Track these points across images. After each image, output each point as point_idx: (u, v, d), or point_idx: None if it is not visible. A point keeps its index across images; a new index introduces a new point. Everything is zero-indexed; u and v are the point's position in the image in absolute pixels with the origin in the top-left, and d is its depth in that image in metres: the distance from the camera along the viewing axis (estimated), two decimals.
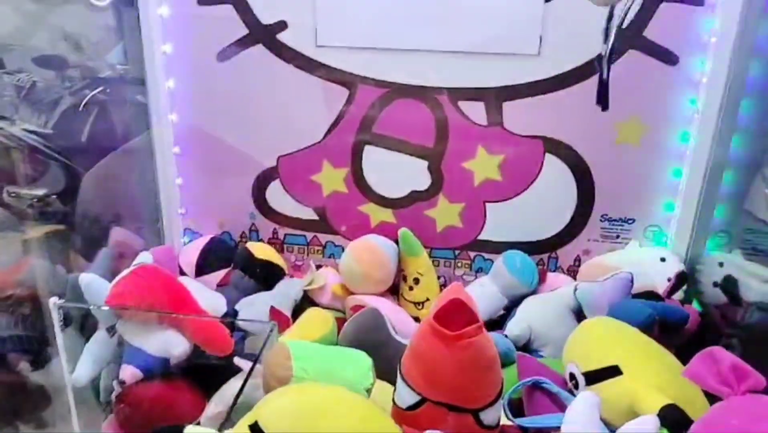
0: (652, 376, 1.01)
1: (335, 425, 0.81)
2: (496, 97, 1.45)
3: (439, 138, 1.51)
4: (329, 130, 1.54)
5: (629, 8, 0.97)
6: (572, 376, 1.11)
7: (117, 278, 1.27)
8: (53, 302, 1.23)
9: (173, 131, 1.60)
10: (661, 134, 1.44)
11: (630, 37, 1.36)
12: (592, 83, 1.40)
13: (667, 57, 1.37)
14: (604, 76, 1.12)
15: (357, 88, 1.49)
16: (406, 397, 1.06)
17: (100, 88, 1.61)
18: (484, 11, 1.38)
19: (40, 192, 1.58)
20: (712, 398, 0.93)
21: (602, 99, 1.10)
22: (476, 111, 1.48)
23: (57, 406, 1.38)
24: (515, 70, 1.43)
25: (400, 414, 1.05)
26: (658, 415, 0.94)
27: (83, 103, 1.58)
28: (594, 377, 1.05)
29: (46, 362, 1.45)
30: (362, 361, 1.15)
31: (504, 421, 1.13)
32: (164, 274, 1.33)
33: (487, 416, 1.04)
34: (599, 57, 1.05)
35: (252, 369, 1.09)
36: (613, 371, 1.03)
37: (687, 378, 0.88)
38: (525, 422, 1.12)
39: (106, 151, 1.64)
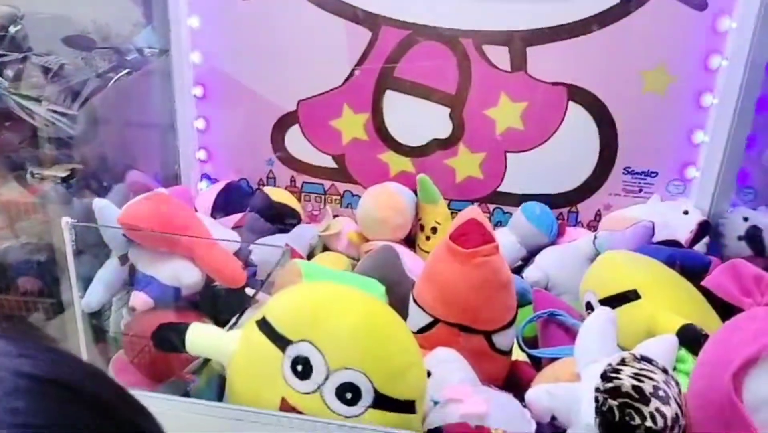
0: (670, 300, 0.99)
1: (340, 318, 0.79)
2: (521, 41, 1.43)
3: (462, 84, 1.49)
4: (351, 74, 1.53)
5: None
6: (589, 305, 1.08)
7: (130, 202, 1.26)
8: (65, 221, 1.22)
9: (194, 72, 1.59)
10: (687, 85, 1.41)
11: None
12: (618, 28, 1.38)
13: (695, 2, 1.34)
14: None
15: (380, 30, 1.48)
16: (419, 319, 1.05)
17: (126, 71, 1.61)
18: None
19: (64, 173, 1.59)
20: None
21: None
22: (500, 56, 1.46)
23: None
24: (541, 13, 1.41)
25: None
26: (677, 334, 0.91)
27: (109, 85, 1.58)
28: (612, 302, 1.02)
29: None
30: (375, 287, 1.14)
31: (517, 355, 1.12)
32: (178, 202, 1.33)
33: (500, 340, 1.02)
34: None
35: (263, 284, 1.07)
36: (632, 296, 1.01)
37: (709, 288, 0.85)
38: (538, 352, 1.10)
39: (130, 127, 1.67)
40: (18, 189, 1.55)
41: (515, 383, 1.04)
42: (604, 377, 0.82)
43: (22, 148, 1.59)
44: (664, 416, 0.77)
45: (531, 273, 1.37)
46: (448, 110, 1.52)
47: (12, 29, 1.54)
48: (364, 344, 0.78)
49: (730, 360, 0.74)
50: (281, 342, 0.80)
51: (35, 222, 1.54)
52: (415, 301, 1.06)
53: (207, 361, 0.99)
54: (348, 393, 0.78)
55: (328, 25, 1.49)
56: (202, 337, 0.87)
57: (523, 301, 1.25)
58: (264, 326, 0.82)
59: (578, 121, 1.47)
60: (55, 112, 1.53)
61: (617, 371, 0.82)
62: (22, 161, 1.58)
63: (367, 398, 0.78)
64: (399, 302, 1.15)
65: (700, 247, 1.39)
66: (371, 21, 1.48)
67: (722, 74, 1.38)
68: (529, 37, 1.42)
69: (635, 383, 0.79)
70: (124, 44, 1.62)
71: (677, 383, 0.83)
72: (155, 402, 0.80)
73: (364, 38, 1.49)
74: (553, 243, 1.47)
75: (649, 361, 0.84)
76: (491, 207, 1.59)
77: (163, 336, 0.89)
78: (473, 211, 1.04)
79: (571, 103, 1.46)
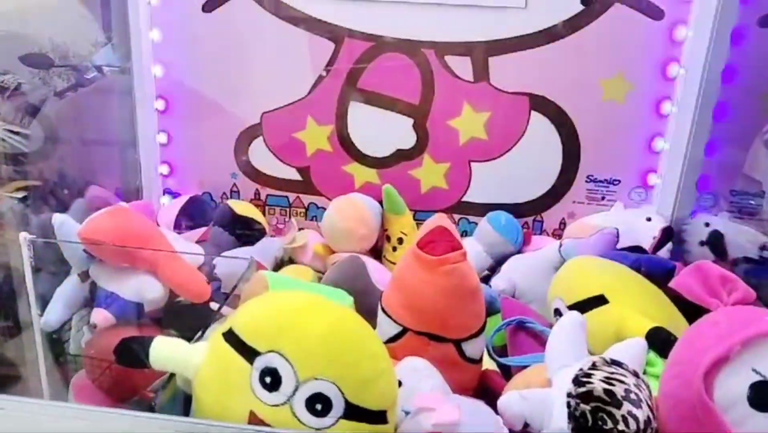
0: (638, 303, 1.00)
1: (309, 327, 0.78)
2: (483, 51, 1.45)
3: (425, 95, 1.50)
4: (314, 86, 1.52)
5: None
6: (557, 312, 1.09)
7: (90, 216, 1.23)
8: (23, 237, 1.19)
9: (156, 86, 1.57)
10: (645, 92, 1.44)
11: None
12: (578, 38, 1.40)
13: (652, 11, 1.37)
14: None
15: (343, 42, 1.48)
16: (387, 328, 1.04)
17: (90, 86, 1.59)
18: None
19: (22, 194, 1.55)
20: None
21: None
22: (463, 66, 1.47)
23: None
24: (502, 23, 1.42)
25: None
26: (646, 337, 0.92)
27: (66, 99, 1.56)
28: (580, 307, 1.03)
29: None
30: (342, 297, 1.12)
31: (487, 364, 1.11)
32: (140, 216, 1.30)
33: (470, 348, 1.02)
34: None
35: (228, 297, 1.05)
36: (599, 300, 1.01)
37: (676, 289, 0.85)
38: (508, 361, 1.09)
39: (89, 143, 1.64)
40: None
41: (486, 392, 1.03)
42: (576, 381, 0.82)
43: None
44: (636, 419, 0.77)
45: (498, 282, 1.37)
46: (411, 121, 1.52)
47: None
48: (333, 352, 0.77)
49: (700, 360, 0.74)
50: (249, 353, 0.78)
51: None
52: (383, 310, 1.05)
53: (171, 377, 0.96)
54: (318, 404, 0.76)
55: (291, 37, 1.49)
56: (167, 350, 0.85)
57: (491, 309, 1.25)
58: (231, 337, 0.80)
59: (541, 130, 1.48)
60: (10, 131, 1.50)
61: (588, 376, 0.82)
62: None
63: (337, 408, 0.76)
64: (367, 312, 1.13)
65: (664, 253, 1.41)
66: (334, 33, 1.48)
67: (680, 82, 1.41)
68: (490, 48, 1.44)
69: (607, 386, 0.79)
70: (82, 63, 1.59)
71: (648, 386, 0.83)
72: (119, 419, 0.77)
73: (327, 50, 1.49)
74: (519, 252, 1.48)
75: (619, 365, 0.84)
76: (457, 217, 1.59)
77: (126, 351, 0.86)
78: (440, 219, 1.04)
79: (533, 113, 1.48)
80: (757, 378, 0.73)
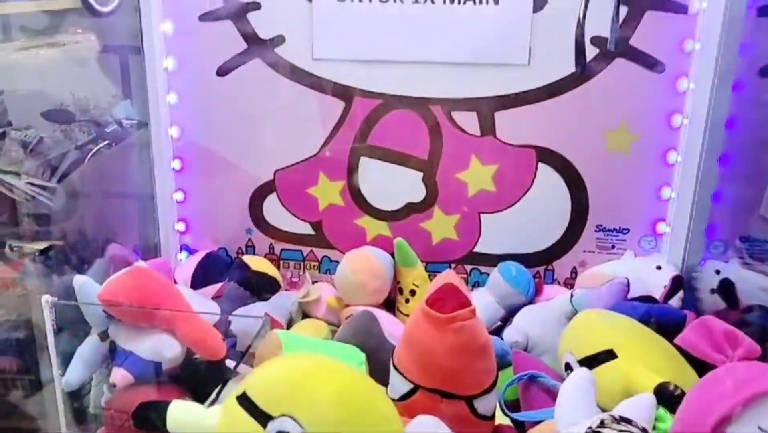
0: (646, 358, 1.00)
1: (320, 390, 0.80)
2: (488, 107, 1.48)
3: (434, 149, 1.53)
4: (325, 143, 1.57)
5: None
6: (568, 366, 1.09)
7: (110, 278, 1.27)
8: (45, 299, 1.23)
9: (173, 146, 1.62)
10: (650, 142, 1.46)
11: (618, 46, 1.39)
12: (580, 91, 1.43)
13: (653, 65, 1.40)
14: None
15: (353, 100, 1.53)
16: (399, 386, 1.05)
17: (106, 143, 1.64)
18: (475, 22, 1.42)
19: (43, 245, 1.60)
20: None
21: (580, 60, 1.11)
22: (469, 121, 1.50)
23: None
24: (506, 80, 1.46)
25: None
26: (654, 392, 0.92)
27: (88, 157, 1.61)
28: (589, 362, 1.04)
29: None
30: (355, 355, 1.14)
31: (500, 418, 1.12)
32: (158, 275, 1.33)
33: (481, 405, 1.03)
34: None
35: (243, 356, 1.08)
36: (608, 355, 1.02)
37: (682, 346, 0.87)
38: (521, 416, 1.10)
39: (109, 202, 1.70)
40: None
41: None
42: None
43: (1, 223, 1.59)
44: None
45: (511, 334, 1.38)
46: (421, 175, 1.56)
47: None
48: (344, 416, 0.79)
49: (706, 420, 0.75)
50: (262, 417, 0.80)
51: (13, 297, 1.53)
52: (395, 367, 1.07)
53: None
54: None
55: (302, 97, 1.53)
56: (183, 414, 0.87)
57: (503, 363, 1.26)
58: (244, 401, 0.82)
59: (548, 181, 1.51)
60: (33, 185, 1.54)
61: None
62: (1, 236, 1.59)
63: None
64: (380, 367, 1.16)
65: (675, 301, 1.41)
66: (344, 92, 1.52)
67: (684, 132, 1.43)
68: (495, 103, 1.47)
69: None
70: (102, 116, 1.65)
71: None
72: None
73: (338, 109, 1.54)
74: (531, 302, 1.49)
75: (628, 421, 0.85)
76: (468, 268, 1.61)
77: (143, 415, 0.88)
78: (449, 276, 1.07)
79: (540, 165, 1.50)
80: None
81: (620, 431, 0.83)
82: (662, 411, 0.91)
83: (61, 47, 1.61)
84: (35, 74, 1.59)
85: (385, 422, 0.82)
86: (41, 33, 1.60)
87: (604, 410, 0.96)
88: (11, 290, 1.53)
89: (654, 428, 0.91)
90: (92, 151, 1.60)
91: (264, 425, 0.80)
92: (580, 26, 1.01)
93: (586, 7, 1.03)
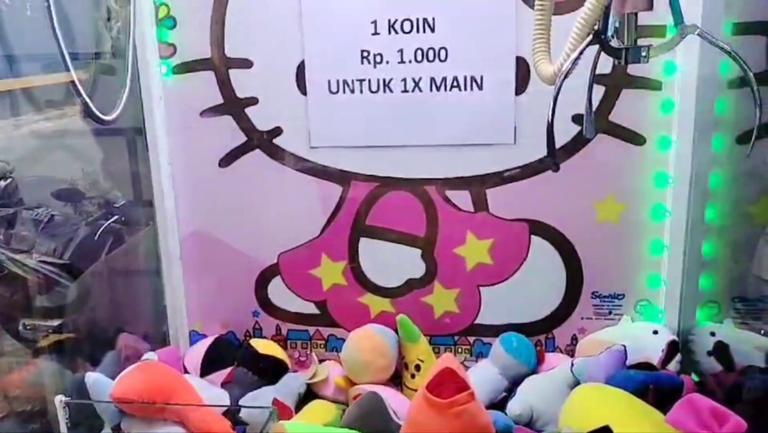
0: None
1: None
2: (479, 184, 1.54)
3: (430, 226, 1.59)
4: (326, 225, 1.62)
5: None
6: None
7: (121, 374, 1.31)
8: (59, 399, 1.27)
9: (179, 237, 1.68)
10: (637, 210, 1.51)
11: (597, 122, 1.45)
12: (567, 166, 1.49)
13: (634, 138, 1.46)
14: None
15: (350, 184, 1.59)
16: None
17: (115, 218, 1.70)
18: (461, 107, 1.50)
19: (56, 322, 1.64)
20: None
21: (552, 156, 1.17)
22: (463, 199, 1.56)
23: None
24: (495, 158, 1.52)
25: None
26: None
27: (99, 233, 1.66)
28: None
29: None
30: None
31: None
32: (168, 369, 1.38)
33: None
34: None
35: None
36: (605, 431, 1.05)
37: (672, 425, 0.90)
38: None
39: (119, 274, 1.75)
40: (11, 342, 1.57)
41: None
42: None
43: (14, 302, 1.63)
44: None
45: (514, 407, 1.41)
46: (419, 251, 1.61)
47: (2, 183, 1.61)
48: None
49: None
50: None
51: (27, 389, 1.56)
52: None
53: None
54: None
55: (302, 183, 1.60)
56: None
57: None
58: None
59: (542, 252, 1.56)
60: (45, 263, 1.59)
61: None
62: (13, 312, 1.62)
63: None
64: None
65: (673, 365, 1.44)
66: (341, 177, 1.59)
67: (670, 194, 1.48)
68: (486, 181, 1.54)
69: None
70: (111, 192, 1.71)
71: None
72: None
73: (336, 192, 1.60)
74: (533, 371, 1.52)
75: None
76: (471, 339, 1.64)
77: None
78: (447, 360, 1.10)
79: (533, 237, 1.56)
80: None
81: None
82: None
83: (69, 118, 1.66)
84: (45, 148, 1.64)
85: None
86: (49, 106, 1.65)
87: None
88: (25, 376, 1.56)
89: None
90: (102, 227, 1.65)
91: None
92: (550, 128, 1.07)
93: (557, 95, 1.08)
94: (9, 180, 1.62)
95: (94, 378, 1.32)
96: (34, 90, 1.57)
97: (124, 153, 1.72)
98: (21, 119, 1.60)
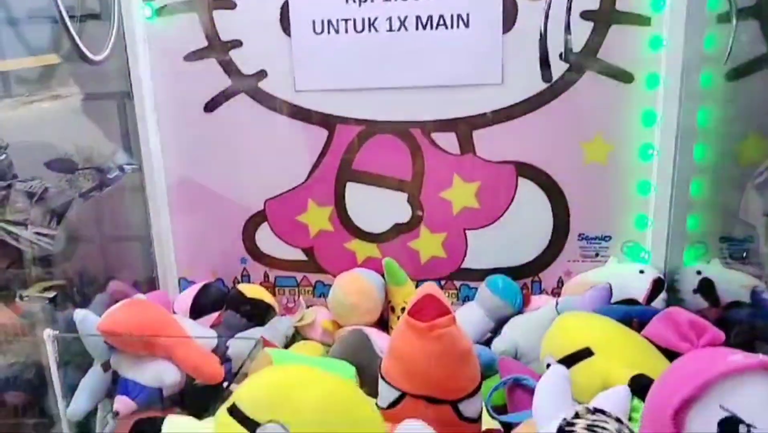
0: (622, 353, 1.04)
1: (304, 396, 0.84)
2: (466, 126, 1.54)
3: (416, 170, 1.59)
4: (312, 171, 1.62)
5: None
6: (548, 368, 1.13)
7: (109, 310, 1.31)
8: (48, 333, 1.28)
9: (166, 183, 1.68)
10: (625, 151, 1.50)
11: (585, 60, 1.45)
12: (555, 106, 1.49)
13: (622, 76, 1.46)
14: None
15: (335, 128, 1.59)
16: (387, 395, 1.09)
17: (109, 188, 1.70)
18: (448, 46, 1.49)
19: (51, 294, 1.65)
20: None
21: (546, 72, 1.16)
22: (449, 141, 1.56)
23: None
24: (482, 99, 1.52)
25: (382, 414, 1.07)
26: (629, 384, 0.96)
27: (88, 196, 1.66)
28: (568, 362, 1.07)
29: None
30: (345, 369, 1.18)
31: (488, 423, 1.15)
32: (156, 306, 1.38)
33: (466, 408, 1.06)
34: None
35: (234, 377, 1.12)
36: (585, 353, 1.06)
37: (649, 337, 0.90)
38: (507, 418, 1.13)
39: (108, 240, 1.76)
40: (6, 312, 1.59)
41: None
42: (560, 430, 0.86)
43: (8, 271, 1.64)
44: None
45: (499, 344, 1.42)
46: (406, 195, 1.61)
47: None
48: (327, 419, 0.83)
49: (671, 399, 0.79)
50: (250, 425, 0.84)
51: (24, 345, 1.57)
52: (382, 377, 1.10)
53: None
54: None
55: (287, 127, 1.60)
56: (179, 428, 0.91)
57: (490, 371, 1.30)
58: (234, 411, 0.87)
59: (529, 195, 1.56)
60: (39, 234, 1.59)
61: (571, 425, 0.86)
62: (9, 283, 1.63)
63: None
64: (372, 381, 1.19)
65: (659, 303, 1.44)
66: (326, 121, 1.59)
67: (658, 134, 1.48)
68: (472, 123, 1.53)
69: None
70: (105, 163, 1.71)
71: (631, 431, 0.87)
72: None
73: (322, 137, 1.60)
74: (519, 312, 1.53)
75: (602, 412, 0.89)
76: (458, 284, 1.65)
77: (140, 431, 0.92)
78: (429, 287, 1.10)
79: (521, 179, 1.55)
80: (725, 414, 0.77)
81: (594, 421, 0.86)
82: (637, 402, 0.95)
83: (62, 99, 1.67)
84: (38, 127, 1.65)
85: (368, 424, 0.86)
86: (40, 86, 1.67)
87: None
88: (21, 338, 1.57)
89: (630, 418, 0.95)
90: (92, 193, 1.66)
91: (253, 432, 0.84)
92: (543, 38, 1.06)
93: (546, 18, 1.08)
94: (3, 156, 1.63)
95: (82, 314, 1.32)
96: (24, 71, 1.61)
97: (115, 120, 1.71)
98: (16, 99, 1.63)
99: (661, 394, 0.82)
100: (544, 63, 1.09)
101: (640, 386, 0.94)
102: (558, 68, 1.46)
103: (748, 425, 0.76)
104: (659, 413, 0.80)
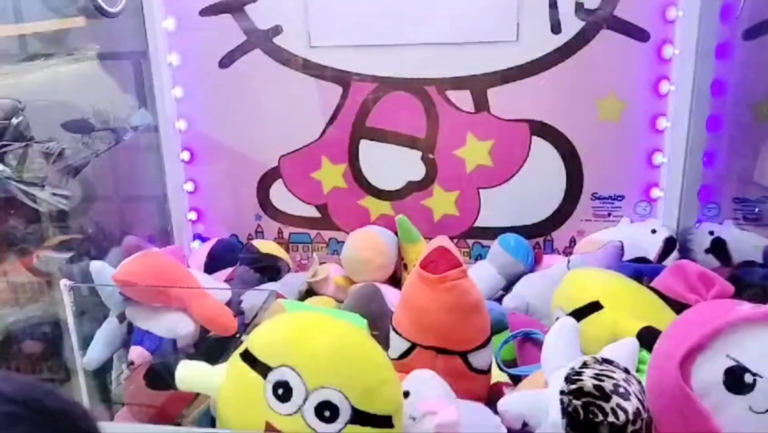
0: (631, 307, 1.05)
1: (315, 341, 0.85)
2: (480, 84, 1.53)
3: (430, 128, 1.59)
4: (326, 128, 1.63)
5: None
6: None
7: (124, 261, 1.34)
8: (64, 283, 1.30)
9: (181, 138, 1.69)
10: (639, 110, 1.50)
11: (602, 17, 1.43)
12: (569, 65, 1.48)
13: (639, 34, 1.44)
14: None
15: (350, 85, 1.59)
16: (398, 345, 1.11)
17: (124, 143, 1.71)
18: (464, 3, 1.48)
19: (69, 254, 1.67)
20: None
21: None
22: (463, 99, 1.55)
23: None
24: (497, 57, 1.51)
25: (393, 365, 1.08)
26: (637, 336, 0.97)
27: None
28: (578, 315, 1.08)
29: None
30: (357, 320, 1.20)
31: (498, 376, 1.17)
32: (170, 258, 1.40)
33: (476, 359, 1.08)
34: None
35: (249, 325, 1.14)
36: (595, 307, 1.07)
37: (658, 289, 0.91)
38: (516, 371, 1.15)
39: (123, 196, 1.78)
40: (25, 273, 1.62)
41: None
42: (568, 379, 0.87)
43: (27, 233, 1.66)
44: (625, 411, 0.82)
45: (510, 301, 1.43)
46: (419, 153, 1.61)
47: (14, 120, 1.64)
48: (338, 363, 0.84)
49: (679, 347, 0.80)
50: (262, 369, 0.86)
51: (43, 304, 1.60)
52: (394, 329, 1.12)
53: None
54: (326, 411, 0.83)
55: (301, 84, 1.60)
56: (191, 372, 0.93)
57: (501, 327, 1.31)
58: (246, 356, 0.88)
59: (543, 153, 1.56)
60: (55, 194, 1.62)
61: (579, 374, 0.87)
62: (26, 240, 1.66)
63: (345, 415, 0.83)
64: (383, 334, 1.21)
65: (670, 262, 1.45)
66: (340, 77, 1.59)
67: (672, 98, 1.47)
68: (487, 80, 1.53)
69: (596, 382, 0.85)
70: (121, 125, 1.72)
71: (639, 381, 0.88)
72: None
73: (336, 93, 1.60)
74: (531, 271, 1.54)
75: (610, 362, 0.90)
76: (470, 242, 1.66)
77: (154, 375, 0.95)
78: (441, 240, 1.12)
79: (534, 138, 1.55)
80: (731, 363, 0.78)
81: (601, 370, 0.87)
82: (645, 353, 0.96)
83: (79, 60, 1.68)
84: (56, 88, 1.66)
85: (377, 368, 0.87)
86: (58, 47, 1.67)
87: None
88: (39, 297, 1.60)
89: (638, 370, 0.96)
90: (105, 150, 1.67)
91: (264, 376, 0.85)
92: None
93: None
94: (20, 118, 1.64)
95: (98, 266, 1.35)
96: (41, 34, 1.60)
97: (131, 80, 1.72)
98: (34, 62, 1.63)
99: (668, 343, 0.82)
100: (554, 13, 1.08)
101: (648, 337, 0.95)
102: (574, 25, 1.45)
103: (755, 374, 0.77)
104: (666, 362, 0.80)
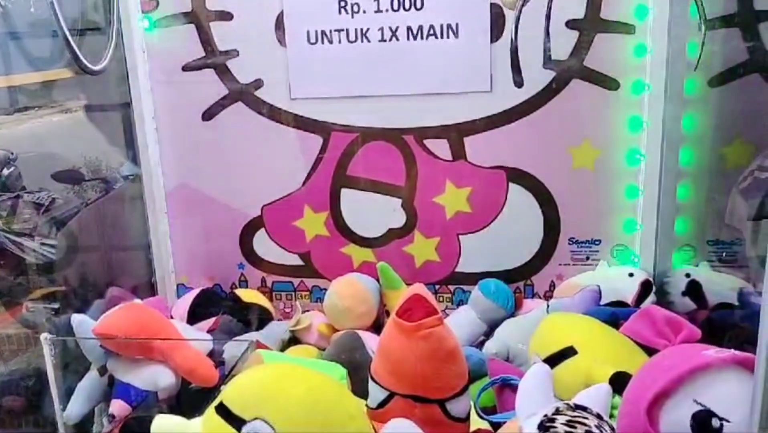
0: (604, 352, 1.06)
1: (287, 393, 0.86)
2: (457, 133, 1.57)
3: (410, 176, 1.62)
4: (308, 177, 1.66)
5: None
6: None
7: (105, 314, 1.34)
8: (44, 336, 1.31)
9: (165, 191, 1.72)
10: (612, 156, 1.53)
11: (572, 68, 1.48)
12: (542, 114, 1.52)
13: (609, 83, 1.49)
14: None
15: (330, 135, 1.62)
16: (376, 394, 1.11)
17: (109, 195, 1.73)
18: (438, 55, 1.52)
19: (56, 305, 1.68)
20: None
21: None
22: (441, 148, 1.59)
23: None
24: (472, 107, 1.55)
25: (371, 414, 1.09)
26: (609, 382, 0.98)
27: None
28: (553, 360, 1.10)
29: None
30: (336, 370, 1.20)
31: (477, 423, 1.17)
32: (152, 310, 1.41)
33: (454, 407, 1.08)
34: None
35: (227, 377, 1.14)
36: (569, 352, 1.08)
37: (627, 335, 0.92)
38: (495, 418, 1.15)
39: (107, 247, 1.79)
40: (11, 322, 1.62)
41: None
42: (541, 426, 0.88)
43: (15, 283, 1.66)
44: None
45: (491, 345, 1.44)
46: (400, 201, 1.64)
47: (5, 171, 1.65)
48: (311, 415, 0.85)
49: (647, 393, 0.81)
50: (237, 423, 0.86)
51: (27, 356, 1.60)
52: (372, 378, 1.12)
53: None
54: None
55: (283, 135, 1.63)
56: (167, 427, 0.93)
57: (480, 373, 1.32)
58: (221, 409, 0.89)
59: (520, 199, 1.59)
60: (44, 244, 1.62)
61: (552, 420, 0.88)
62: (12, 295, 1.66)
63: None
64: (364, 382, 1.21)
65: (648, 305, 1.46)
66: (321, 128, 1.62)
67: (644, 137, 1.50)
68: (463, 129, 1.56)
69: (568, 429, 0.86)
70: (111, 175, 1.74)
71: (611, 427, 0.89)
72: None
73: (317, 143, 1.63)
74: (511, 315, 1.55)
75: (583, 409, 0.91)
76: (452, 288, 1.67)
77: (130, 430, 0.95)
78: (417, 288, 1.12)
79: (511, 184, 1.58)
80: (698, 408, 0.79)
81: (574, 416, 0.88)
82: (618, 399, 0.97)
83: (69, 112, 1.70)
84: (46, 140, 1.68)
85: (350, 420, 0.88)
86: (47, 100, 1.70)
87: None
88: (26, 349, 1.60)
89: (611, 415, 0.96)
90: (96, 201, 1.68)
91: (239, 430, 0.86)
92: (513, 45, 1.09)
93: (516, 26, 1.12)
94: (12, 169, 1.66)
95: (79, 319, 1.35)
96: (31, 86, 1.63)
97: (120, 132, 1.75)
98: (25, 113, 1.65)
99: (636, 389, 0.84)
100: (515, 69, 1.12)
101: (620, 382, 0.96)
102: (544, 76, 1.50)
103: (721, 419, 0.78)
104: (635, 407, 0.82)
